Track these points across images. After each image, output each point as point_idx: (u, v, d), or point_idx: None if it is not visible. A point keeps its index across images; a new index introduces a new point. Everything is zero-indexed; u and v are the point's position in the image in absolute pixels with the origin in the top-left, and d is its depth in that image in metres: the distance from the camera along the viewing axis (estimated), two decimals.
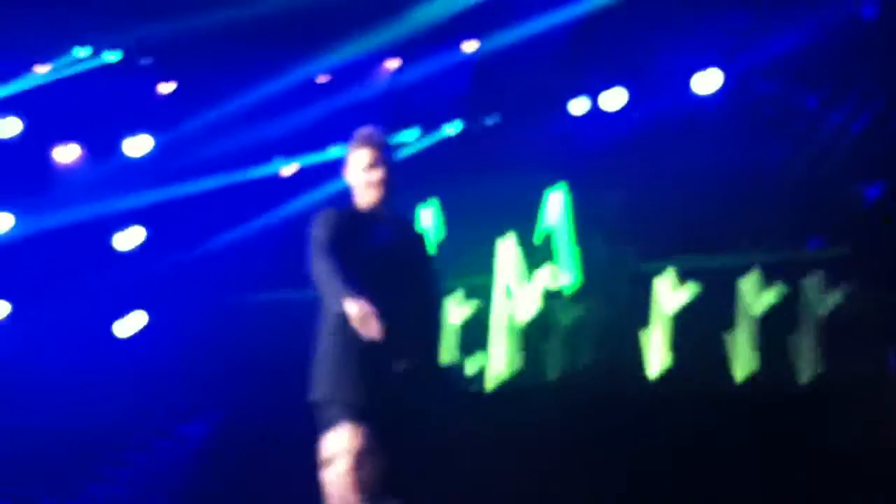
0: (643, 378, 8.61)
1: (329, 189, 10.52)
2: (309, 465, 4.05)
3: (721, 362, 8.40)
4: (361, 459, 3.71)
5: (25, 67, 10.49)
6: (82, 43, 10.48)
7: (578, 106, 9.49)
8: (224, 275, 10.60)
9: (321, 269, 4.12)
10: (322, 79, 10.63)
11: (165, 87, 11.06)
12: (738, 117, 8.83)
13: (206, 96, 10.73)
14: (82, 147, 10.97)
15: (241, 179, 10.97)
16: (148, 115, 11.03)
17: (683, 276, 8.69)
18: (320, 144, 10.83)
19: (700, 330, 8.58)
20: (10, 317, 10.52)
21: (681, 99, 8.97)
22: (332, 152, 10.85)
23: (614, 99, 9.24)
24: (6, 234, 10.54)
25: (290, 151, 10.97)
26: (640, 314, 8.84)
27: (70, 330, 10.37)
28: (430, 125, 10.29)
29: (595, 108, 9.36)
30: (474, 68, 10.04)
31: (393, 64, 10.30)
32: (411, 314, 4.23)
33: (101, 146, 10.99)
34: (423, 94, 10.28)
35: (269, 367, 9.20)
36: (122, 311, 10.81)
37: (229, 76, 10.49)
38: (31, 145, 10.69)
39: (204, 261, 10.73)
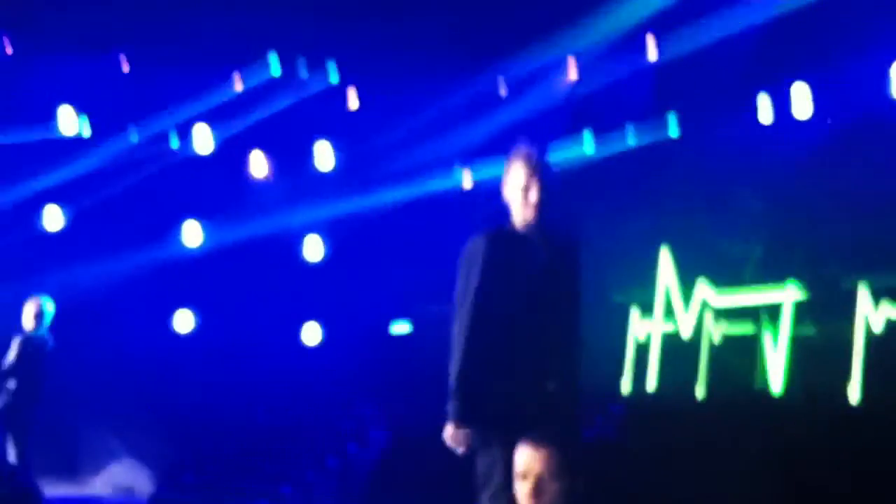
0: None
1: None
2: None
3: None
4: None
5: (223, 80, 10.91)
6: (278, 55, 10.78)
7: (766, 112, 9.09)
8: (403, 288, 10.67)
9: (458, 334, 4.23)
10: (504, 91, 10.61)
11: (352, 101, 11.29)
12: None
13: (393, 109, 10.88)
14: (273, 160, 11.31)
15: (424, 191, 11.05)
16: (337, 129, 11.28)
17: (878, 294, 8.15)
18: (502, 153, 10.78)
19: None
20: (200, 326, 10.90)
21: (876, 102, 8.46)
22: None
23: (805, 105, 8.80)
24: (200, 246, 10.96)
25: (472, 162, 10.99)
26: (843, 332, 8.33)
27: (258, 338, 10.65)
28: (611, 132, 10.09)
29: (784, 114, 8.95)
30: (657, 74, 9.80)
31: (574, 71, 10.18)
32: (560, 334, 4.26)
33: (293, 160, 11.31)
34: (605, 101, 10.10)
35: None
36: (305, 321, 11.02)
37: (414, 88, 10.60)
38: (226, 159, 11.09)
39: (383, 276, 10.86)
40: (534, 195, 4.35)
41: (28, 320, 8.75)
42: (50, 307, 8.84)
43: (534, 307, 4.22)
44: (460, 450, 4.23)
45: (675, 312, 9.24)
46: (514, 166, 4.46)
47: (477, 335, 4.21)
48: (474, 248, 4.40)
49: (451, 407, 4.23)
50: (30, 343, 8.67)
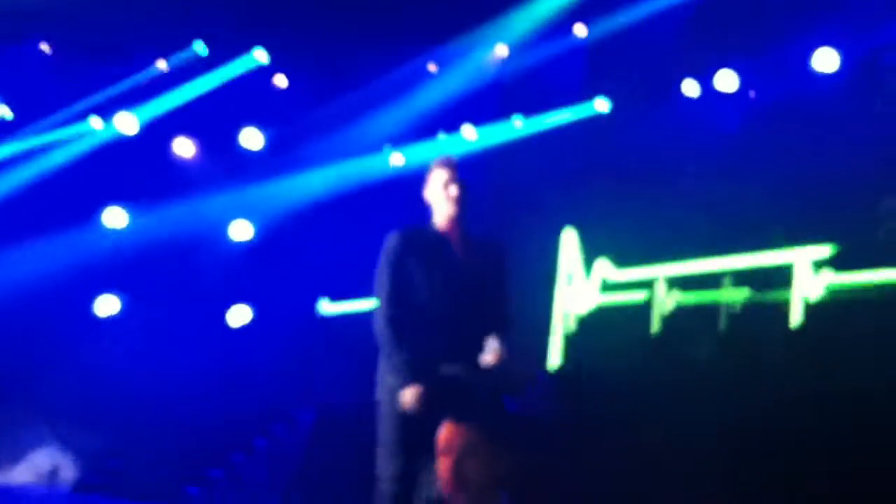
0: None
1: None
2: None
3: None
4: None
5: (147, 63, 10.74)
6: (202, 38, 10.66)
7: (692, 88, 9.18)
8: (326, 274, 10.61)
9: (381, 331, 4.51)
10: (433, 68, 10.58)
11: (280, 81, 11.17)
12: (862, 97, 8.38)
13: (320, 89, 10.80)
14: (198, 142, 11.16)
15: (352, 171, 10.98)
16: (263, 110, 11.16)
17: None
18: (430, 134, 10.77)
19: None
20: (125, 311, 10.75)
21: (800, 80, 8.59)
22: (442, 142, 10.79)
23: (729, 80, 8.90)
24: (123, 228, 10.79)
25: (400, 142, 10.94)
26: None
27: (184, 321, 10.54)
28: (541, 112, 10.13)
29: (710, 91, 9.05)
30: (586, 54, 9.85)
31: (503, 51, 10.18)
32: (476, 333, 4.48)
33: (218, 141, 11.17)
34: (535, 82, 10.14)
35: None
36: (231, 304, 10.93)
37: (342, 68, 10.54)
38: (150, 141, 10.92)
39: (311, 257, 10.77)
40: (454, 190, 4.70)
41: None
42: None
43: (447, 302, 4.52)
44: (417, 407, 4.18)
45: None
46: (436, 169, 4.83)
47: (394, 328, 4.50)
48: (390, 245, 4.70)
49: (395, 378, 4.35)
50: None
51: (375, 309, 4.63)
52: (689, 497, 7.46)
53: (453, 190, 4.71)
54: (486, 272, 4.71)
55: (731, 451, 7.62)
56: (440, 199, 4.75)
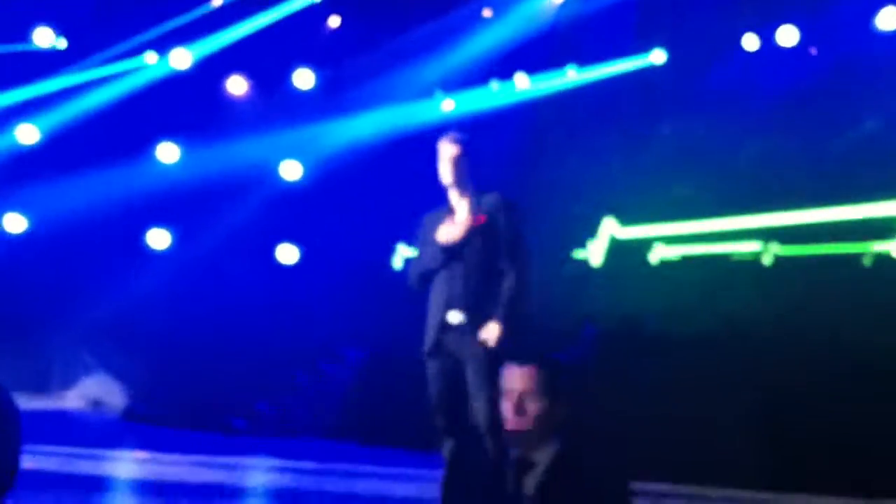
0: None
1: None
2: None
3: None
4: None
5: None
6: None
7: (751, 42, 9.07)
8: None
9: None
10: (487, 13, 10.50)
11: (333, 21, 11.15)
12: None
13: (373, 31, 10.76)
14: (251, 80, 11.19)
15: (403, 116, 10.97)
16: (315, 50, 11.14)
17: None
18: (484, 79, 10.73)
19: None
20: (176, 244, 10.86)
21: (863, 38, 8.46)
22: (495, 90, 10.75)
23: (790, 36, 8.79)
24: (176, 163, 10.88)
25: (451, 87, 10.90)
26: None
27: (234, 256, 10.63)
28: (594, 61, 10.03)
29: (770, 45, 8.93)
30: (644, 3, 9.74)
31: None
32: (483, 302, 5.13)
33: (270, 80, 11.18)
34: (590, 31, 10.03)
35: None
36: (280, 241, 11.01)
37: (395, 10, 10.48)
38: (204, 77, 10.95)
39: (362, 200, 10.81)
40: (449, 172, 5.19)
41: None
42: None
43: (457, 276, 5.16)
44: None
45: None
46: (442, 146, 5.25)
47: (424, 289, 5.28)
48: (423, 225, 5.33)
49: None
50: None
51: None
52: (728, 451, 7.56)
53: (454, 162, 5.18)
54: (490, 236, 5.18)
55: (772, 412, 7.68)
56: (442, 178, 5.25)
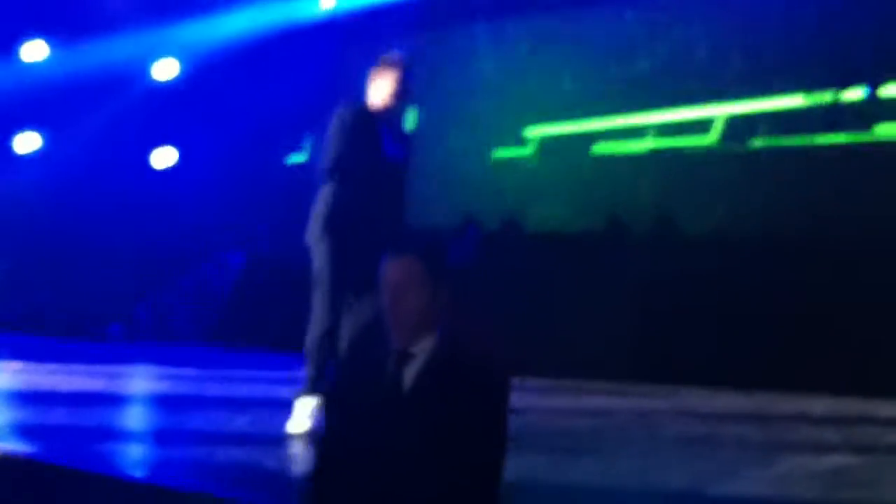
0: None
1: None
2: None
3: None
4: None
5: None
6: None
7: None
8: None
9: (324, 179, 5.10)
10: None
11: None
12: None
13: None
14: None
15: (280, 12, 10.67)
16: None
17: None
18: None
19: None
20: (47, 146, 10.47)
21: None
22: None
23: None
24: (42, 62, 10.41)
25: None
26: None
27: (107, 159, 10.31)
28: None
29: None
30: None
31: None
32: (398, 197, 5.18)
33: None
34: None
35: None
36: (156, 144, 10.71)
37: None
38: None
39: (239, 102, 10.51)
40: (392, 88, 5.14)
41: None
42: None
43: (383, 176, 5.09)
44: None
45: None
46: (386, 67, 5.18)
47: (339, 185, 5.07)
48: (339, 120, 5.12)
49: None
50: None
51: (323, 161, 5.11)
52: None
53: (391, 86, 5.13)
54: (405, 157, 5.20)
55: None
56: (384, 90, 5.17)
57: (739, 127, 8.60)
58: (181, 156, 10.77)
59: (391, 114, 5.19)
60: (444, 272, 3.14)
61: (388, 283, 3.04)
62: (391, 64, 5.21)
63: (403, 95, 5.15)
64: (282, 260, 8.78)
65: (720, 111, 8.67)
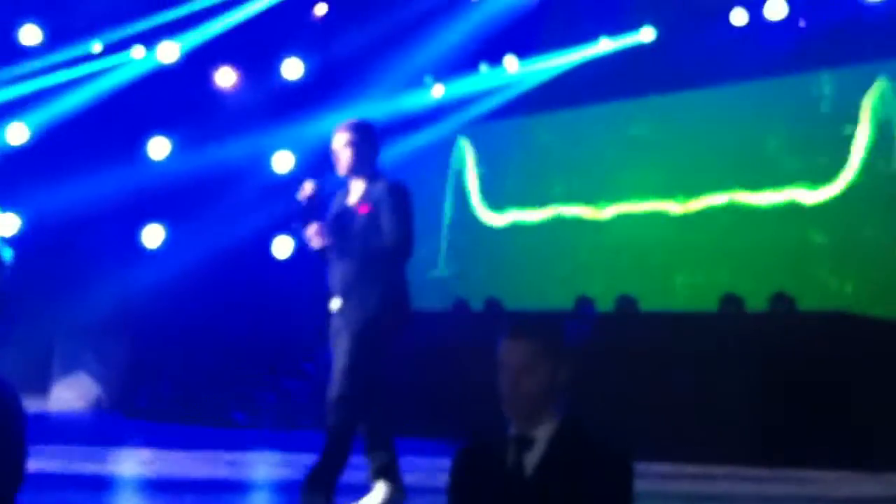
0: None
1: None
2: None
3: None
4: None
5: None
6: None
7: (740, 16, 9.02)
8: None
9: None
10: None
11: (320, 9, 11.10)
12: None
13: (359, 17, 10.70)
14: (239, 71, 11.14)
15: (394, 103, 10.93)
16: (303, 39, 11.08)
17: None
18: (472, 63, 10.69)
19: None
20: (170, 239, 10.81)
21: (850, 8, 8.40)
22: (484, 73, 10.71)
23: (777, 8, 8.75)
24: (166, 158, 10.82)
25: (442, 71, 10.87)
26: None
27: (230, 249, 10.57)
28: (582, 40, 9.99)
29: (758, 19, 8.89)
30: None
31: None
32: (352, 273, 5.23)
33: (258, 70, 11.13)
34: (579, 10, 9.98)
35: None
36: (275, 235, 10.96)
37: None
38: (192, 70, 10.89)
39: None
40: (344, 154, 5.31)
41: None
42: None
43: (341, 249, 5.26)
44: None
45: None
46: (334, 135, 5.38)
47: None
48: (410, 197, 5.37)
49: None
50: None
51: (407, 238, 5.30)
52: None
53: (344, 154, 5.29)
54: (372, 225, 5.24)
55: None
56: (338, 157, 5.36)
57: None
58: (297, 245, 11.02)
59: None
60: (563, 354, 3.13)
61: (505, 365, 3.04)
62: (335, 132, 5.35)
63: (349, 162, 5.23)
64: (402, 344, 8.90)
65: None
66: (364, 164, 5.28)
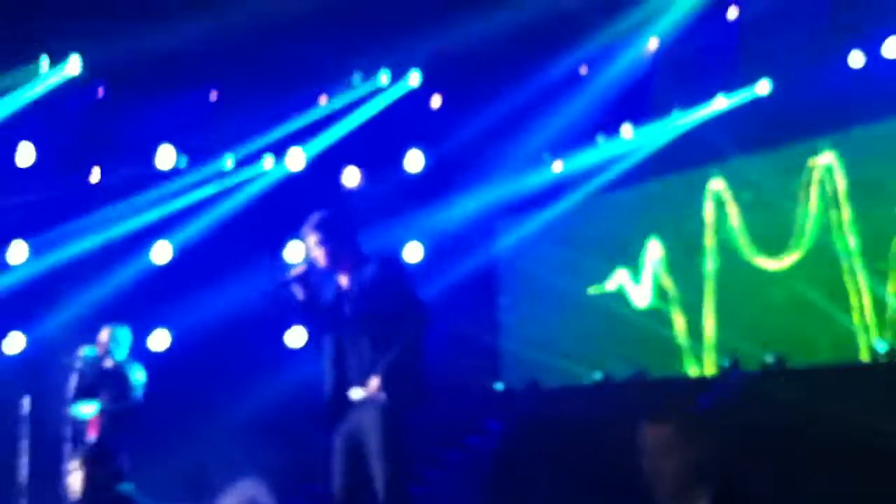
0: None
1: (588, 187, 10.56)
2: None
3: None
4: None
5: (311, 100, 11.07)
6: (358, 67, 10.91)
7: (857, 59, 8.85)
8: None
9: None
10: (583, 70, 10.55)
11: (435, 101, 11.38)
12: None
13: (473, 104, 10.90)
14: (364, 170, 11.45)
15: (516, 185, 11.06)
16: (423, 130, 11.35)
17: None
18: (589, 136, 10.75)
19: None
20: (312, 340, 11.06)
21: None
22: (601, 144, 10.75)
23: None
24: (287, 267, 11.11)
25: (560, 148, 10.97)
26: None
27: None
28: (698, 98, 9.95)
29: (876, 58, 8.70)
30: (740, 32, 9.64)
31: (653, 44, 10.06)
32: (367, 359, 5.13)
33: (383, 167, 11.41)
34: (689, 70, 9.96)
35: None
36: None
37: (491, 80, 10.60)
38: (319, 174, 11.24)
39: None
40: (318, 253, 5.42)
41: (100, 347, 8.78)
42: (123, 335, 8.83)
43: (343, 344, 5.26)
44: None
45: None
46: (304, 235, 5.51)
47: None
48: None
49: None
50: (94, 371, 8.68)
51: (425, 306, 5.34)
52: None
53: (318, 254, 5.38)
54: (370, 304, 5.21)
55: None
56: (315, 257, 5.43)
57: None
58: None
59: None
60: (698, 429, 3.10)
61: (646, 448, 3.04)
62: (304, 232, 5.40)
63: (328, 257, 5.28)
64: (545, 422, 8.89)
65: None
66: (341, 257, 5.34)
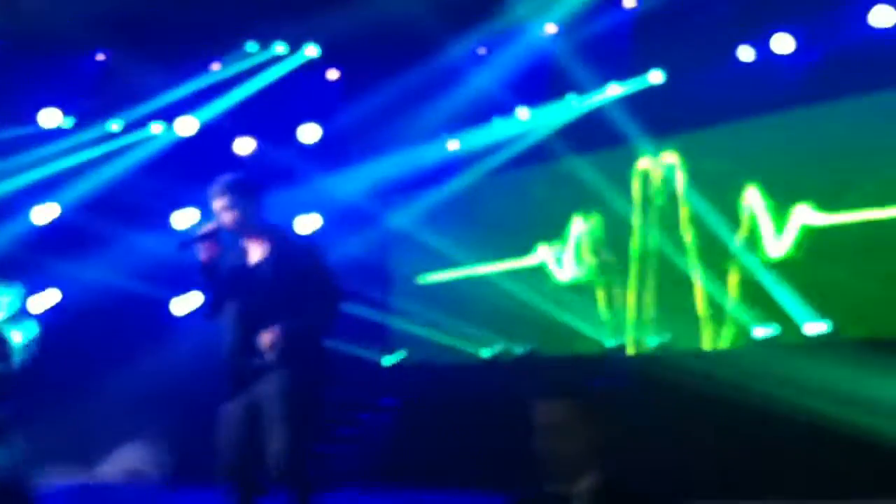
0: None
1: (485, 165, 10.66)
2: None
3: None
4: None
5: (203, 67, 10.89)
6: (253, 37, 10.78)
7: (747, 53, 9.12)
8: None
9: None
10: (482, 51, 10.62)
11: (332, 75, 11.30)
12: None
13: (371, 80, 10.87)
14: (258, 139, 11.32)
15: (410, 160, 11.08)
16: (318, 103, 11.27)
17: None
18: (485, 118, 10.83)
19: None
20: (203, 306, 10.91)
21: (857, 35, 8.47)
22: (497, 125, 10.84)
23: (785, 42, 8.84)
24: (192, 226, 10.96)
25: (454, 127, 11.02)
26: None
27: None
28: (594, 88, 10.11)
29: (766, 54, 8.98)
30: (635, 24, 9.82)
31: (552, 29, 10.18)
32: (268, 324, 5.00)
33: (277, 137, 11.31)
34: (585, 56, 10.11)
35: None
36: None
37: (390, 58, 10.59)
38: (210, 142, 11.08)
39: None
40: (227, 217, 5.24)
41: None
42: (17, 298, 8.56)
43: (246, 304, 5.12)
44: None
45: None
46: (212, 197, 5.31)
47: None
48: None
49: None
50: None
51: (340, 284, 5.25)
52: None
53: (226, 217, 5.21)
54: (287, 268, 5.11)
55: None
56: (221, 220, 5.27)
57: None
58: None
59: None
60: (596, 408, 3.21)
61: (546, 425, 3.12)
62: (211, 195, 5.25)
63: (235, 222, 5.13)
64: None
65: None
66: (250, 222, 5.15)
